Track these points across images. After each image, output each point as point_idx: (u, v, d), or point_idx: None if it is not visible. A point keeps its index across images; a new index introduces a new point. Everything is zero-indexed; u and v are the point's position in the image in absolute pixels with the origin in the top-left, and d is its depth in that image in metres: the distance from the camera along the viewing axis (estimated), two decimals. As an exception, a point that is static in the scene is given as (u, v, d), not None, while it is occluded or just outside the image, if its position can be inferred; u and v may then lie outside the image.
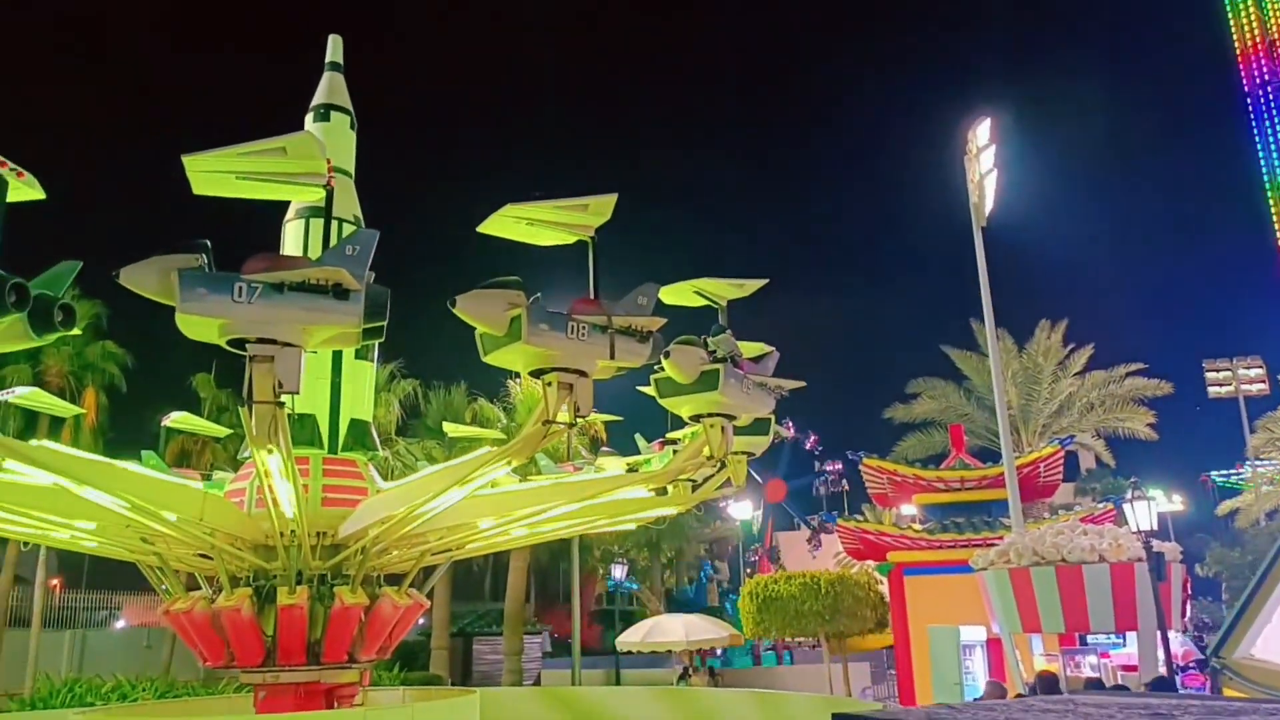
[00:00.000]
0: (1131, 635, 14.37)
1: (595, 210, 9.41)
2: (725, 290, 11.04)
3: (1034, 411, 29.19)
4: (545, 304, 8.96)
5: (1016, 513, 16.90)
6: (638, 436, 15.53)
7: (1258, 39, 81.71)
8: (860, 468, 21.15)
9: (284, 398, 8.18)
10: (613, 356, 9.05)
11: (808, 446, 61.40)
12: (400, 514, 10.77)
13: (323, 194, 9.42)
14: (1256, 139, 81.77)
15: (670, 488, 13.40)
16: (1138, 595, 13.75)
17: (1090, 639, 15.01)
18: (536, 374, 9.11)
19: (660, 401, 11.16)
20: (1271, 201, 79.77)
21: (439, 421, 26.81)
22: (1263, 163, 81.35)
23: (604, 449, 25.17)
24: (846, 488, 52.30)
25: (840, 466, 51.95)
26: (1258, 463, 35.93)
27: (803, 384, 12.26)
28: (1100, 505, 18.05)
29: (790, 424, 58.26)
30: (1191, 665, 13.82)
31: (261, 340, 7.98)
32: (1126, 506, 13.51)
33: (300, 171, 8.80)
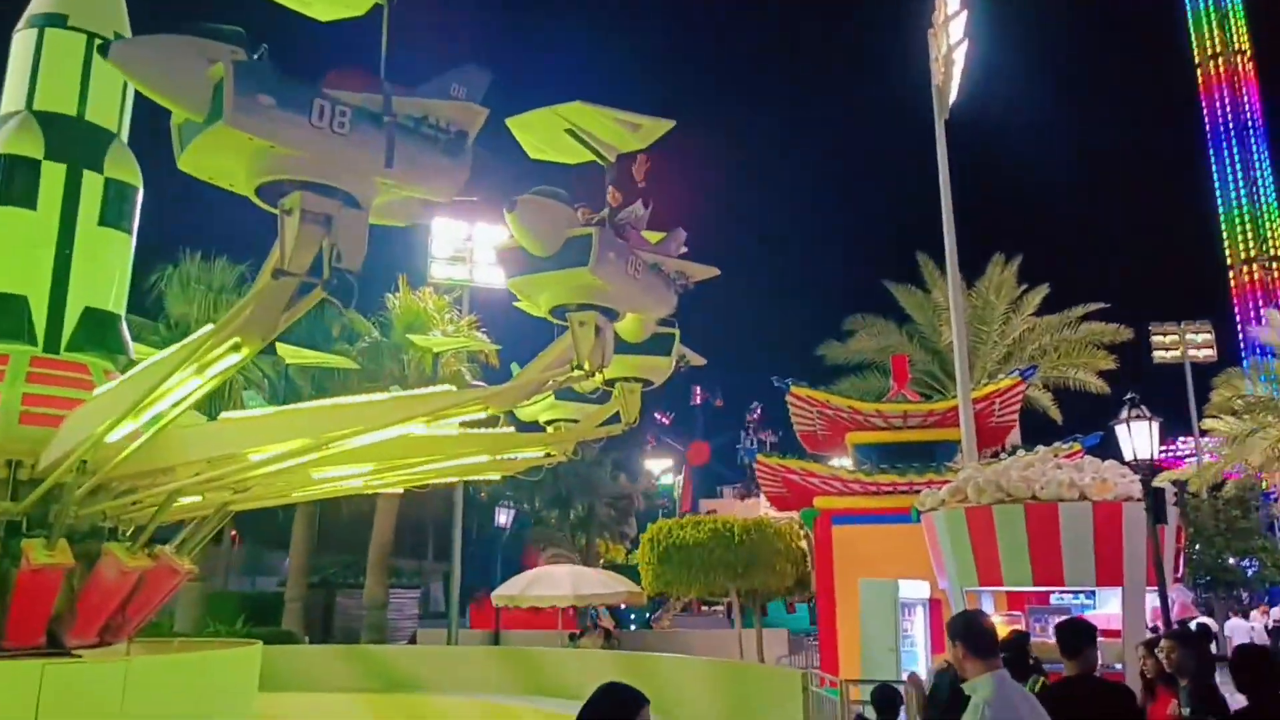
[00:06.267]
0: (1107, 593, 11.53)
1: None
2: (611, 130, 7.41)
3: (982, 354, 26.58)
4: (282, 71, 5.34)
5: (971, 446, 13.97)
6: (515, 367, 12.16)
7: (1220, 69, 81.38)
8: (787, 399, 18.02)
9: None
10: (390, 165, 5.52)
11: (716, 404, 58.07)
12: (101, 429, 7.22)
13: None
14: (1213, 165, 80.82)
15: (549, 427, 10.13)
16: (1126, 542, 10.87)
17: (1056, 598, 12.13)
18: (266, 194, 5.53)
19: (509, 286, 7.72)
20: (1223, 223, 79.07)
21: (309, 339, 23.06)
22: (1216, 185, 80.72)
23: (473, 383, 21.02)
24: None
25: (777, 438, 48.77)
26: (1204, 437, 34.17)
27: (715, 271, 8.95)
28: (1065, 445, 15.21)
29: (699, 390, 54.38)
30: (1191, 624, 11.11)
31: None
32: (1120, 428, 10.57)
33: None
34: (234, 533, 40.95)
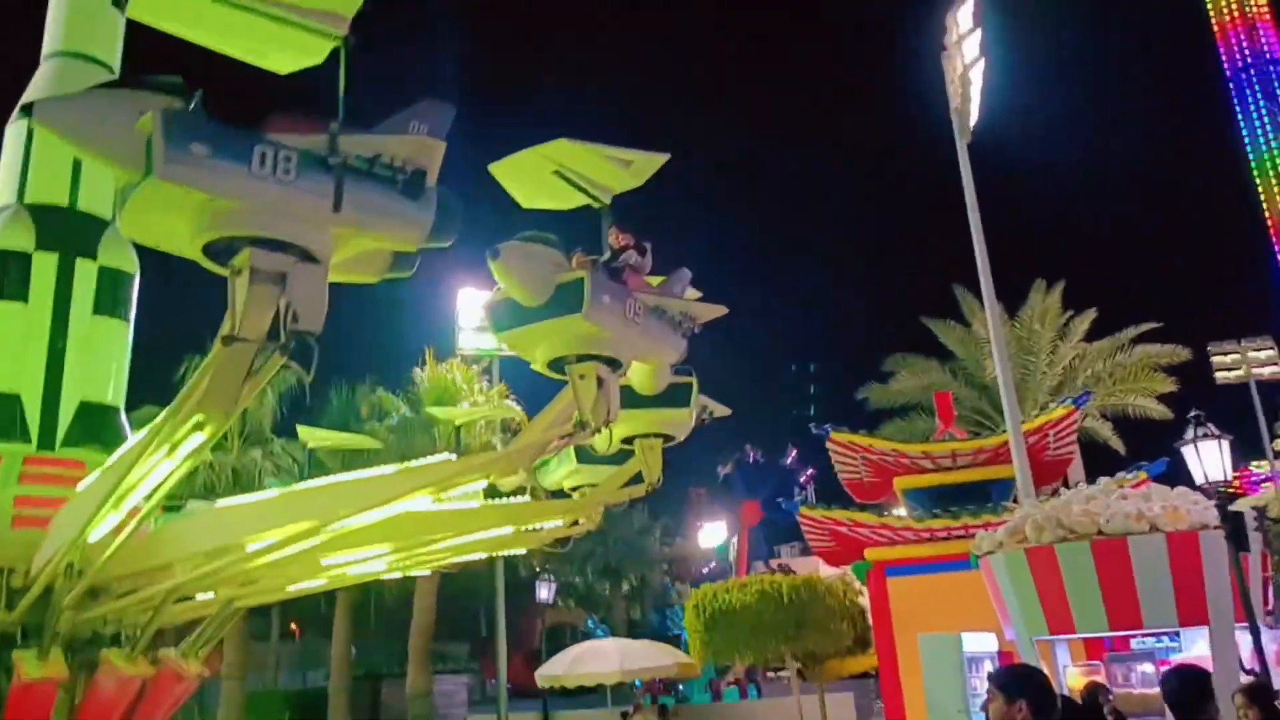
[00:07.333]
0: (1192, 633, 10.47)
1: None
2: (601, 168, 6.94)
3: (1031, 386, 25.48)
4: (219, 119, 4.92)
5: (1026, 482, 13.05)
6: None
7: (1236, 19, 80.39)
8: (828, 445, 17.23)
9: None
10: (338, 209, 5.02)
11: (787, 462, 55.58)
12: (80, 527, 6.81)
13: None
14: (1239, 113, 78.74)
15: (575, 494, 9.57)
16: (1206, 575, 9.88)
17: (1138, 643, 11.08)
18: (214, 255, 5.08)
19: (500, 340, 7.29)
20: (1259, 184, 76.75)
21: (341, 421, 22.88)
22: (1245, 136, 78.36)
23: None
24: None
25: (813, 472, 46.95)
26: (1278, 459, 32.24)
27: (723, 309, 8.38)
28: (1129, 475, 14.20)
29: (751, 448, 52.52)
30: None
31: None
32: (1187, 450, 9.68)
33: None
34: (293, 625, 40.40)
